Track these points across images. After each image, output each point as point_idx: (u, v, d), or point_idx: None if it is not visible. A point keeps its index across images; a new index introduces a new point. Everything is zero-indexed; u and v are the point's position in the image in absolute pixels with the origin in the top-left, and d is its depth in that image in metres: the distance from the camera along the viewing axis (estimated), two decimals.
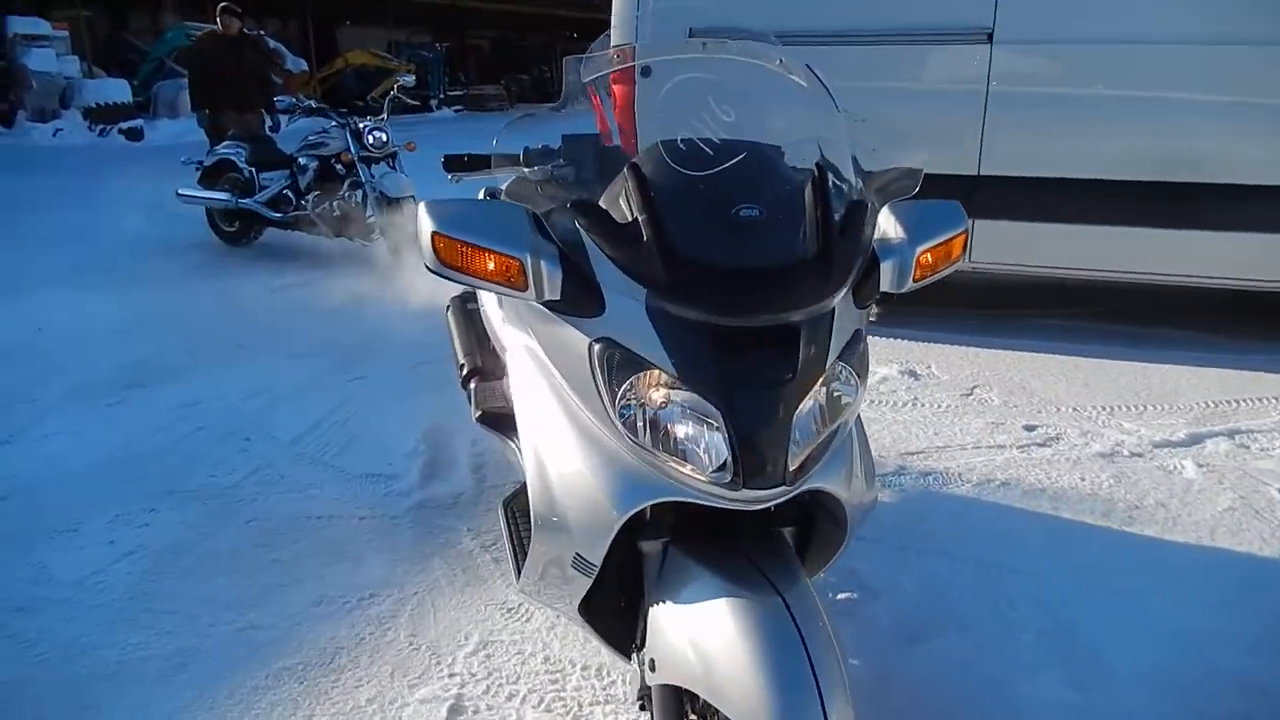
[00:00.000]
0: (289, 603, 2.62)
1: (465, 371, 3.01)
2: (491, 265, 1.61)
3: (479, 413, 2.70)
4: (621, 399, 1.58)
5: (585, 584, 1.77)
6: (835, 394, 1.61)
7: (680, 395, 1.55)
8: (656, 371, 1.55)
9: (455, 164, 1.97)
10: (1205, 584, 2.72)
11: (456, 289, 3.47)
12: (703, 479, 1.55)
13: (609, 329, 1.61)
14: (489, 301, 2.72)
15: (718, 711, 1.61)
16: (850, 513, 1.76)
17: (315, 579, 2.74)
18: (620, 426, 1.59)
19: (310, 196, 7.05)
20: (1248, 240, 4.50)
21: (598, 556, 1.69)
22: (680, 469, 1.57)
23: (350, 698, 2.24)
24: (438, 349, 4.54)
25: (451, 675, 2.32)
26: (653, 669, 1.65)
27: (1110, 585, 2.71)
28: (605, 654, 2.34)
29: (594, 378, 1.62)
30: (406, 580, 2.74)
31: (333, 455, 3.58)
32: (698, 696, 1.68)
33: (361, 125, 6.86)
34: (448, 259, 1.62)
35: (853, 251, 1.65)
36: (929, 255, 1.77)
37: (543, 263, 1.60)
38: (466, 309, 3.30)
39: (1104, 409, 4.00)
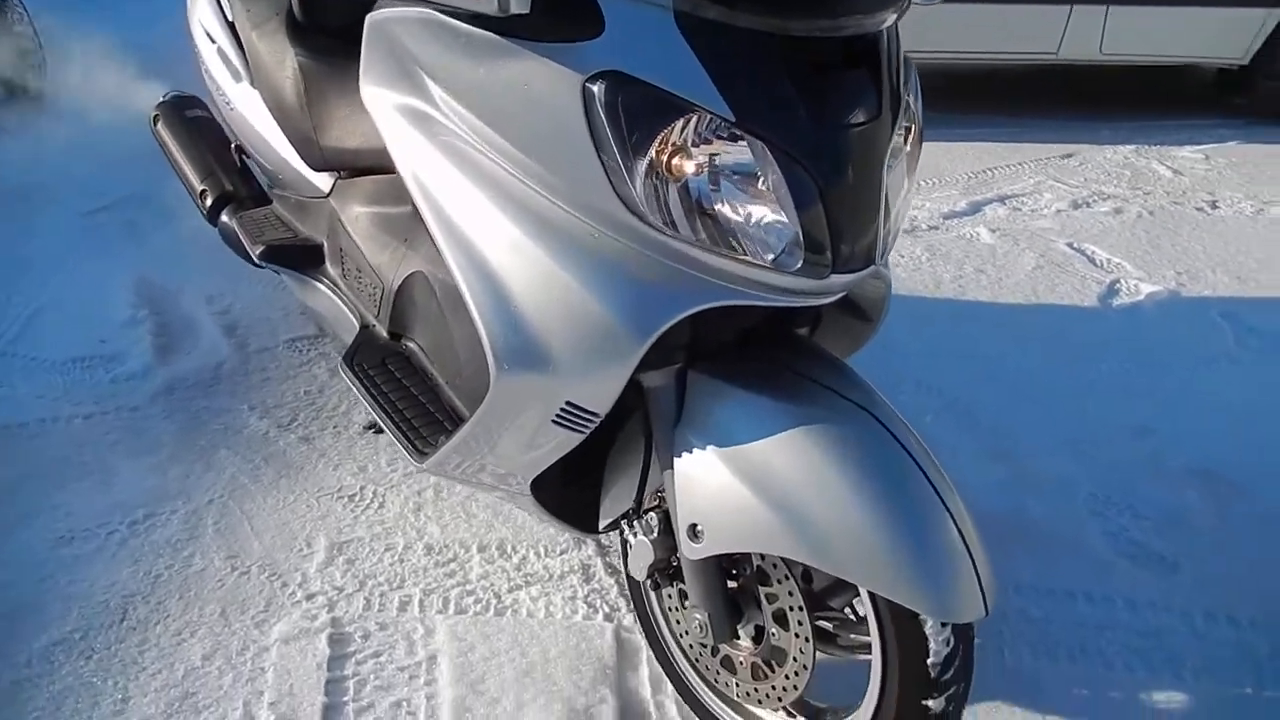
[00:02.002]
0: (23, 549, 1.83)
1: (212, 200, 2.23)
2: None
3: (260, 249, 1.98)
4: (647, 165, 1.05)
5: (568, 444, 1.27)
6: (910, 136, 1.19)
7: (734, 149, 1.04)
8: (701, 115, 1.03)
9: None
10: (1056, 339, 2.72)
11: (157, 97, 2.56)
12: (770, 269, 1.09)
13: (613, 57, 1.04)
14: (281, 73, 1.93)
15: (777, 575, 1.23)
16: (887, 297, 1.39)
17: (48, 510, 1.95)
18: (645, 208, 1.07)
19: None
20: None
21: (604, 402, 1.19)
22: (734, 259, 1.08)
23: (176, 661, 1.59)
24: (119, 188, 3.52)
25: (310, 597, 1.73)
26: (696, 538, 1.21)
27: (974, 354, 2.62)
28: (501, 528, 1.86)
29: (592, 138, 1.06)
30: (190, 487, 2.03)
31: (10, 341, 2.61)
32: (746, 562, 1.28)
33: None
34: None
35: None
36: None
37: None
38: (186, 117, 2.44)
39: None
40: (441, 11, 1.16)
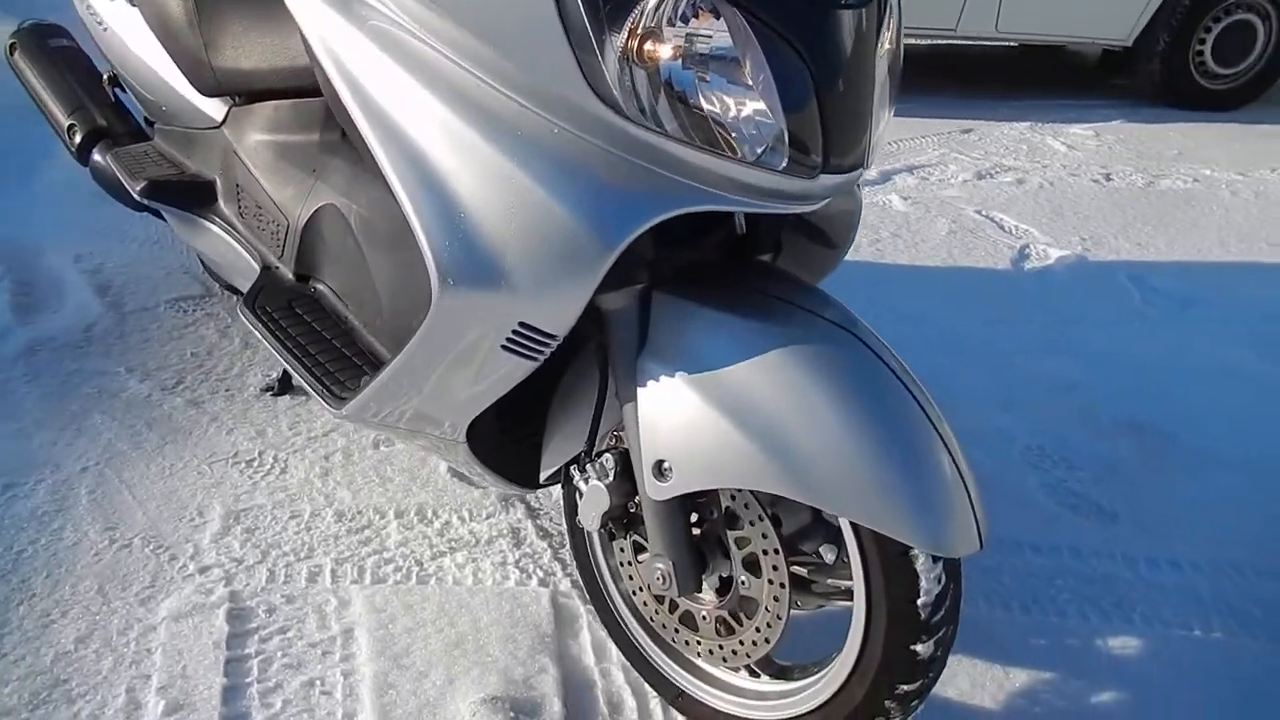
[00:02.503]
0: None
1: (81, 136, 1.99)
2: None
3: (141, 185, 1.76)
4: (621, 45, 0.92)
5: (516, 376, 1.12)
6: (894, 32, 1.09)
7: (717, 28, 0.92)
8: None
9: None
10: (976, 299, 2.71)
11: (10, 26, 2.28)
12: (753, 167, 0.97)
13: None
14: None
15: (749, 516, 1.13)
16: (857, 218, 1.29)
17: None
18: (619, 95, 0.94)
19: None
20: None
21: (563, 322, 1.05)
22: (714, 155, 0.96)
23: (43, 645, 1.38)
24: None
25: (204, 570, 1.53)
26: (663, 476, 1.08)
27: (899, 314, 2.58)
28: (420, 492, 1.70)
29: (560, 17, 0.92)
30: (58, 455, 1.79)
31: None
32: (712, 504, 1.17)
33: None
34: None
35: None
36: None
37: None
38: (48, 47, 2.17)
39: None
40: None
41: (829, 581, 1.16)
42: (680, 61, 0.93)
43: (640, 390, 1.09)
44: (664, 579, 1.17)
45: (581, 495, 1.22)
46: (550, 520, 1.69)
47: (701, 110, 0.94)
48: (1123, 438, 2.06)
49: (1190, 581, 1.66)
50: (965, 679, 1.43)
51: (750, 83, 0.93)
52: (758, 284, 1.15)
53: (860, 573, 1.07)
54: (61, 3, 2.43)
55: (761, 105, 0.94)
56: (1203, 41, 4.73)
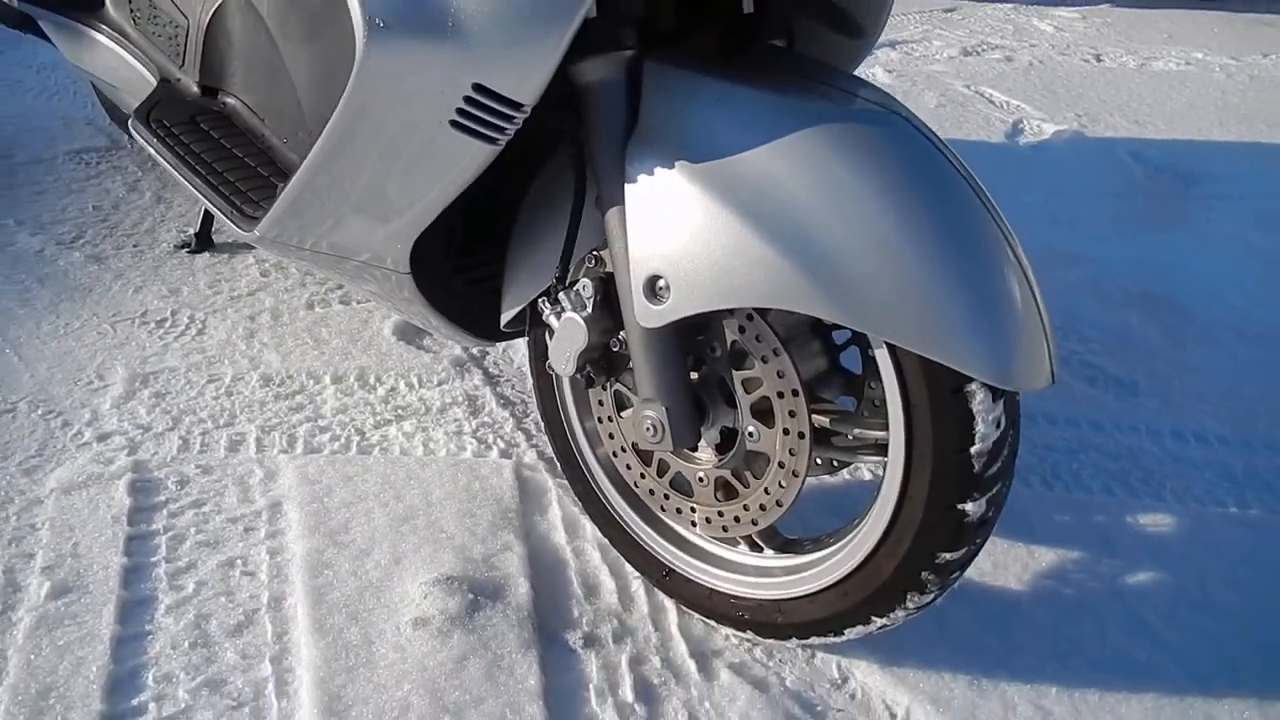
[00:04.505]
0: None
1: None
2: None
3: None
4: None
5: (469, 172, 0.89)
6: None
7: None
8: None
9: None
10: (979, 169, 2.50)
11: None
12: None
13: None
14: None
15: (761, 350, 0.92)
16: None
17: None
18: None
19: None
20: None
21: (532, 83, 0.81)
22: None
23: None
24: None
25: (103, 438, 1.30)
26: (657, 296, 0.87)
27: None
28: (360, 355, 1.47)
29: None
30: None
31: None
32: (715, 339, 0.95)
33: None
34: None
35: None
36: None
37: None
38: None
39: None
40: None
41: (855, 431, 0.96)
42: None
43: (629, 188, 0.87)
44: (655, 430, 0.96)
45: (552, 334, 1.00)
46: (512, 388, 1.48)
47: None
48: (1134, 310, 1.90)
49: (1220, 456, 1.51)
50: (985, 558, 1.26)
51: None
52: (774, 62, 0.92)
53: (900, 414, 0.87)
54: None
55: None
56: None
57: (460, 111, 0.83)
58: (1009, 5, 4.26)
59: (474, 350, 1.54)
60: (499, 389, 1.47)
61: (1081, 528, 1.33)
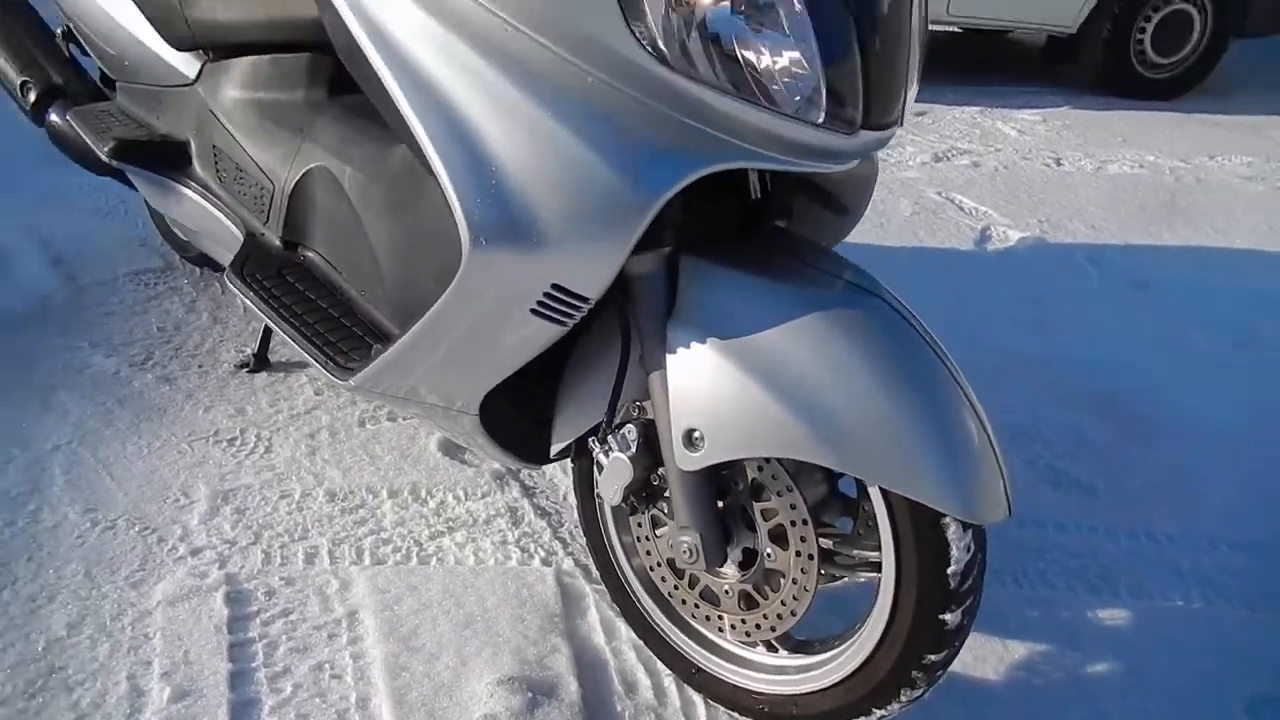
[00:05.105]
0: None
1: (37, 94, 1.89)
2: None
3: (110, 145, 1.68)
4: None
5: (541, 343, 1.10)
6: None
7: None
8: None
9: None
10: (944, 278, 2.76)
11: None
12: (795, 121, 0.97)
13: None
14: None
15: (776, 486, 1.13)
16: (873, 181, 1.30)
17: None
18: (663, 41, 0.93)
19: None
20: None
21: (598, 284, 1.04)
22: (756, 106, 0.96)
23: (33, 631, 1.32)
24: None
25: (196, 552, 1.48)
26: (694, 445, 1.08)
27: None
28: (411, 470, 1.67)
29: None
30: (26, 433, 1.71)
31: None
32: (738, 476, 1.16)
33: None
34: None
35: None
36: None
37: None
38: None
39: None
40: None
41: (854, 553, 1.17)
42: (722, 8, 0.92)
43: (669, 357, 1.08)
44: (691, 553, 1.16)
45: (601, 468, 1.21)
46: (546, 499, 1.67)
47: (740, 59, 0.94)
48: (1090, 411, 2.12)
49: (1168, 554, 1.72)
50: (967, 652, 1.45)
51: (789, 32, 0.93)
52: (779, 247, 1.15)
53: (890, 542, 1.08)
54: None
55: (800, 55, 0.94)
56: (1143, 30, 4.86)
57: (539, 303, 1.05)
58: (975, 108, 4.58)
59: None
60: (535, 500, 1.67)
61: (1048, 623, 1.54)
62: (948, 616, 1.08)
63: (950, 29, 5.49)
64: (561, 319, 1.07)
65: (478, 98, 1.00)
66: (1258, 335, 2.53)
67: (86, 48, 1.95)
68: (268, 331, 1.91)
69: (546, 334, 1.09)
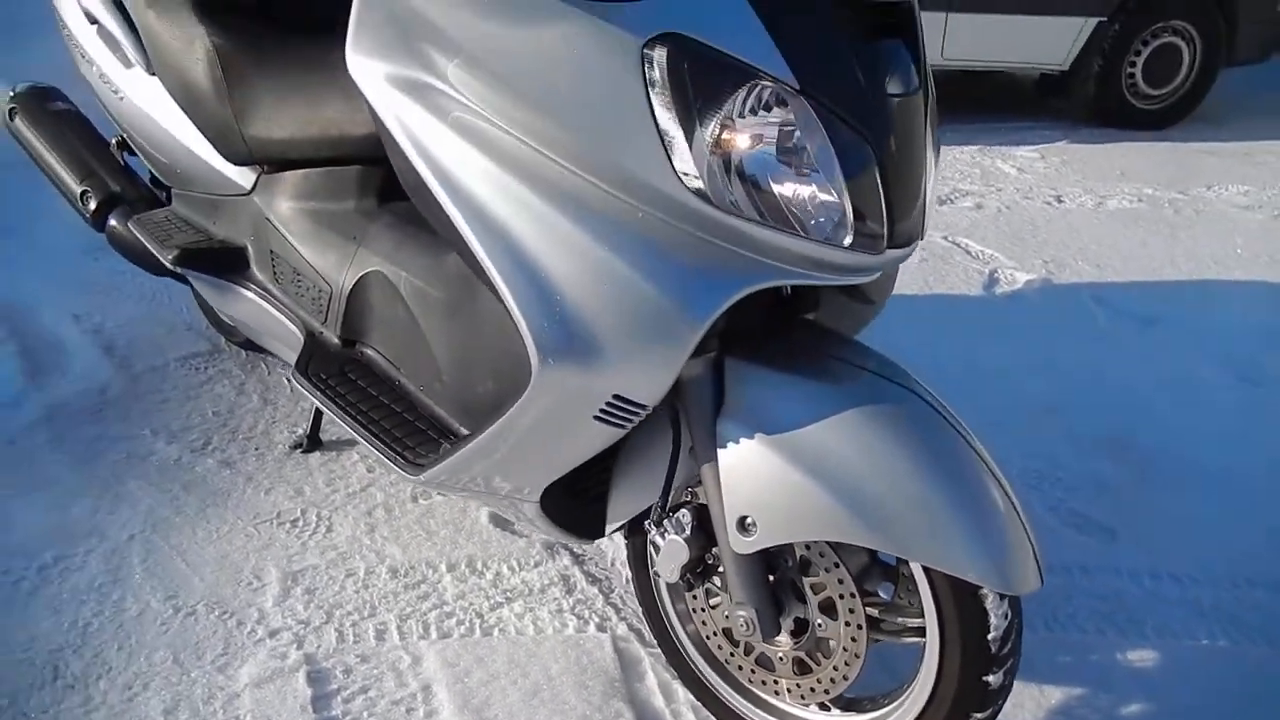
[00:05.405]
0: None
1: (97, 203, 2.01)
2: None
3: (174, 253, 1.79)
4: (711, 137, 1.01)
5: (603, 442, 1.21)
6: (934, 104, 1.20)
7: (794, 118, 1.02)
8: (765, 82, 1.01)
9: None
10: (956, 324, 2.86)
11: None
12: (828, 246, 1.07)
13: (670, 17, 1.00)
14: (189, 58, 1.74)
15: (824, 563, 1.23)
16: (894, 276, 1.40)
17: None
18: (707, 184, 1.03)
19: None
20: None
21: (655, 393, 1.14)
22: (794, 235, 1.06)
23: (132, 718, 1.41)
24: None
25: (274, 634, 1.57)
26: (747, 531, 1.18)
27: (887, 344, 2.70)
28: (465, 544, 1.77)
29: (650, 108, 1.01)
30: (101, 524, 1.81)
31: None
32: (787, 553, 1.26)
33: None
34: None
35: None
36: None
37: None
38: (49, 111, 2.18)
39: None
40: None
41: (899, 620, 1.26)
42: (757, 150, 1.03)
43: (720, 452, 1.18)
44: (748, 626, 1.26)
45: (659, 549, 1.30)
46: (596, 565, 1.76)
47: (780, 195, 1.04)
48: (1106, 455, 2.21)
49: (1191, 594, 1.80)
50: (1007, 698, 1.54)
51: (818, 167, 1.03)
52: (813, 344, 1.25)
53: (933, 612, 1.17)
54: (54, 66, 2.43)
55: (835, 188, 1.04)
56: (1133, 64, 4.99)
57: (602, 410, 1.15)
58: (974, 147, 4.70)
59: None
60: (585, 567, 1.76)
61: (1081, 666, 1.62)
62: (991, 678, 1.17)
63: (945, 69, 5.62)
64: (622, 424, 1.17)
65: (538, 231, 1.10)
66: (1262, 370, 2.62)
67: (140, 156, 2.07)
68: (318, 412, 2.01)
69: (607, 436, 1.20)
